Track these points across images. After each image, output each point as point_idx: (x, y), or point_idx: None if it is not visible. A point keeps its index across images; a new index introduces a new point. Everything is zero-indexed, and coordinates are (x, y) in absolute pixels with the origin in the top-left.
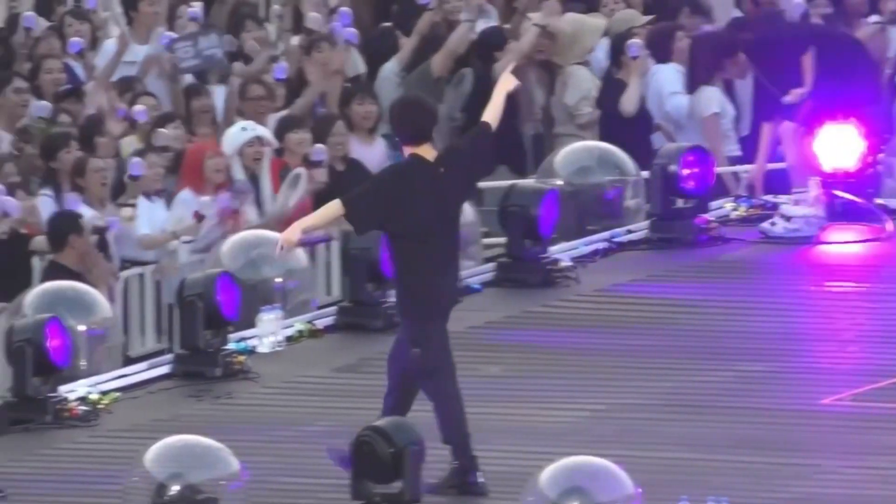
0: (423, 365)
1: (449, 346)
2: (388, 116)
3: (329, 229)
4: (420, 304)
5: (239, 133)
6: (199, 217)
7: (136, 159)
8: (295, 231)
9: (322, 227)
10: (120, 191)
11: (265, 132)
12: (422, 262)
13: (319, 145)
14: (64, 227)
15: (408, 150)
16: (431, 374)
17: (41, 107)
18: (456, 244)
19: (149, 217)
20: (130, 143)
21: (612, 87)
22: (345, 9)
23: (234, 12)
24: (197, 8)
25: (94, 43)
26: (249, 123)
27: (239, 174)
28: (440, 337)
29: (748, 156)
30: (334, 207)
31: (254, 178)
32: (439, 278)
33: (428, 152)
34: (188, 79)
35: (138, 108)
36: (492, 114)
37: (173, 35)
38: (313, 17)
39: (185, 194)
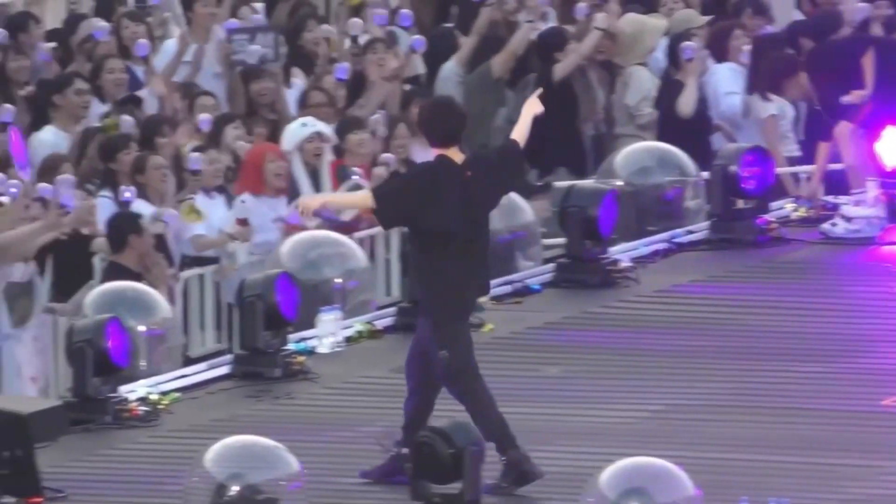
0: (449, 367)
1: (472, 347)
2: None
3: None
4: (447, 306)
5: (299, 129)
6: (242, 222)
7: (196, 154)
8: (317, 201)
9: (344, 209)
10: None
11: (325, 128)
12: (447, 263)
13: (389, 154)
14: (124, 227)
15: (436, 152)
16: (458, 376)
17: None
18: (483, 249)
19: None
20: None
21: (669, 88)
22: (405, 10)
23: (293, 11)
24: (259, 14)
25: (151, 44)
26: (309, 119)
27: (299, 170)
28: (466, 338)
29: (808, 156)
30: (363, 197)
31: (314, 174)
32: (465, 280)
33: (456, 155)
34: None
35: (203, 116)
36: (519, 132)
37: (235, 23)
38: (353, 23)
39: (245, 198)
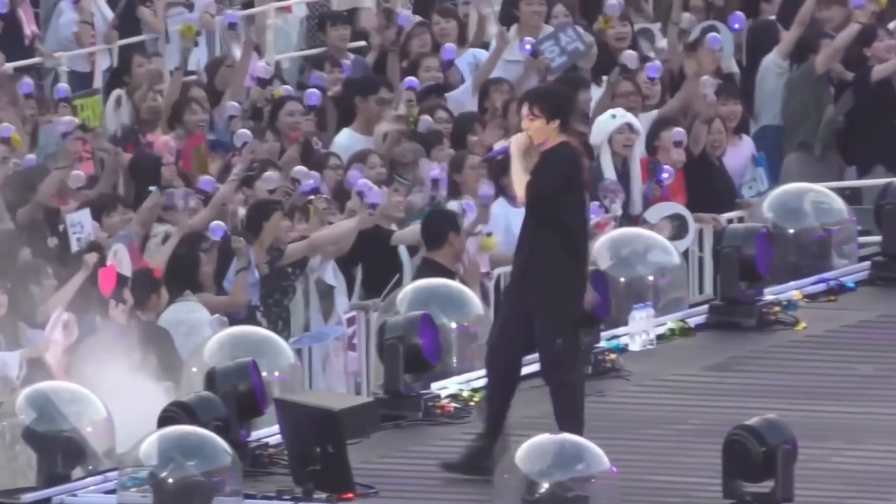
0: (561, 356)
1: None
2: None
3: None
4: (570, 300)
5: (609, 120)
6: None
7: (501, 142)
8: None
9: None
10: None
11: (635, 120)
12: (573, 258)
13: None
14: (444, 224)
15: (562, 138)
16: (565, 367)
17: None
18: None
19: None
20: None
21: None
22: (739, 13)
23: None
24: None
25: (462, 41)
26: (619, 111)
27: (607, 162)
28: (577, 337)
29: None
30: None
31: (623, 165)
32: (582, 279)
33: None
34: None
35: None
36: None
37: (532, 40)
38: (688, 18)
39: None
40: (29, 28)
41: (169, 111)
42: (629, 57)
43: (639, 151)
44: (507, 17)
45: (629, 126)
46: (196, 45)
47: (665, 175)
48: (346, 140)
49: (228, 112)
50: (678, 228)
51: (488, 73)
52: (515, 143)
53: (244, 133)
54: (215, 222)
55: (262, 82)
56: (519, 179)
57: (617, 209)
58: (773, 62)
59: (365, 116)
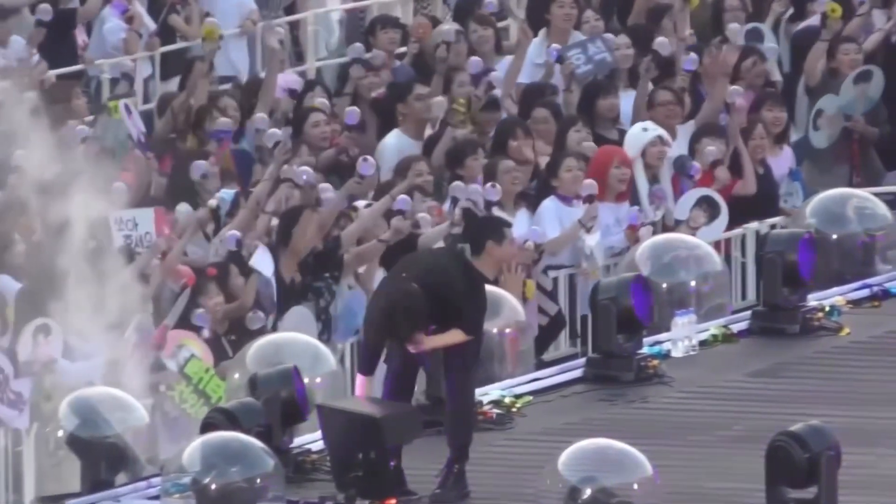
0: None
1: None
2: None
3: None
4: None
5: (640, 133)
6: (591, 216)
7: None
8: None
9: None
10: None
11: (664, 132)
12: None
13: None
14: (483, 233)
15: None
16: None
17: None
18: None
19: (559, 221)
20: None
21: None
22: None
23: (649, 13)
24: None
25: (499, 49)
26: (649, 124)
27: (640, 175)
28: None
29: None
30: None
31: (655, 179)
32: None
33: None
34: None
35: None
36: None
37: (559, 46)
38: (733, 28)
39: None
40: (80, 38)
41: (194, 117)
42: (661, 44)
43: (668, 163)
44: (536, 21)
45: (660, 139)
46: (219, 48)
47: (693, 172)
48: (395, 142)
49: (256, 125)
50: (709, 212)
51: (516, 74)
52: (429, 346)
53: (275, 133)
54: (231, 232)
55: (294, 94)
56: (455, 340)
57: (658, 215)
58: None
59: (412, 118)
